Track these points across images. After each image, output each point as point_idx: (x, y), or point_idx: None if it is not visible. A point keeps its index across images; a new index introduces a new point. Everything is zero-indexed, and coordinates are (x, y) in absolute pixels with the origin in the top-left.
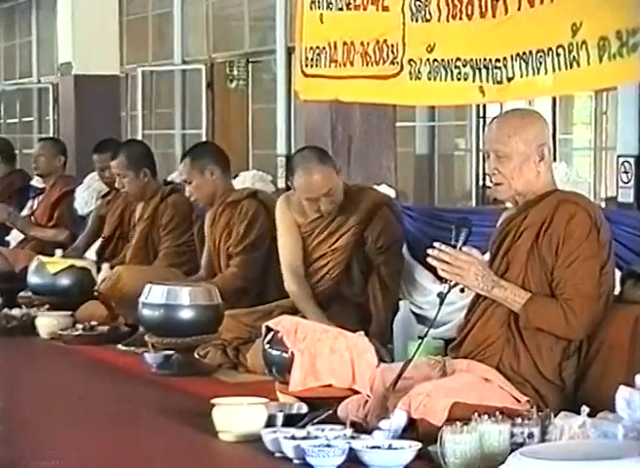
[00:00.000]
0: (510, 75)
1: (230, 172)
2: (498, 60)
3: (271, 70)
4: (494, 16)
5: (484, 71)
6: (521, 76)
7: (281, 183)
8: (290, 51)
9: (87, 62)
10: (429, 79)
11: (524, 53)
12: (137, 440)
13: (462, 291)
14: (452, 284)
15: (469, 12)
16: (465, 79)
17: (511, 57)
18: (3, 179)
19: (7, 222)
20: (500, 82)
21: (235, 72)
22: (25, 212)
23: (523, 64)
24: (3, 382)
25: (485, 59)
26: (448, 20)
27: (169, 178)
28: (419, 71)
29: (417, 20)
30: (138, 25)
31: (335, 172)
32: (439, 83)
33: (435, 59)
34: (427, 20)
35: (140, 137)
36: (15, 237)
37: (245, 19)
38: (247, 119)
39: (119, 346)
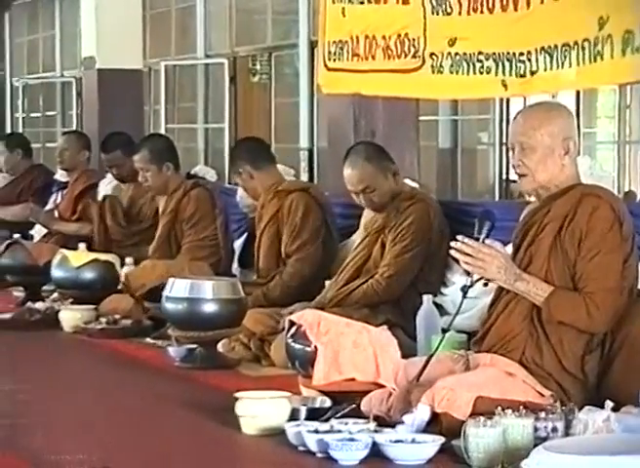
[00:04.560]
0: (534, 69)
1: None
2: (521, 54)
3: (294, 64)
4: (515, 9)
5: (507, 65)
6: (545, 70)
7: (304, 177)
8: (312, 44)
9: (110, 56)
10: (451, 73)
11: (549, 46)
12: (160, 433)
13: (486, 284)
14: (475, 277)
15: (490, 5)
16: (488, 72)
17: (535, 50)
18: (24, 175)
19: (30, 219)
20: (523, 75)
21: (258, 66)
22: (49, 206)
23: (547, 58)
24: (27, 376)
25: (508, 53)
26: (469, 14)
27: (192, 172)
28: (440, 65)
29: (437, 14)
30: (161, 20)
31: (381, 173)
32: (461, 77)
33: (457, 53)
34: (448, 14)
35: (162, 132)
36: (38, 231)
37: (268, 12)
38: (269, 113)
39: (147, 339)
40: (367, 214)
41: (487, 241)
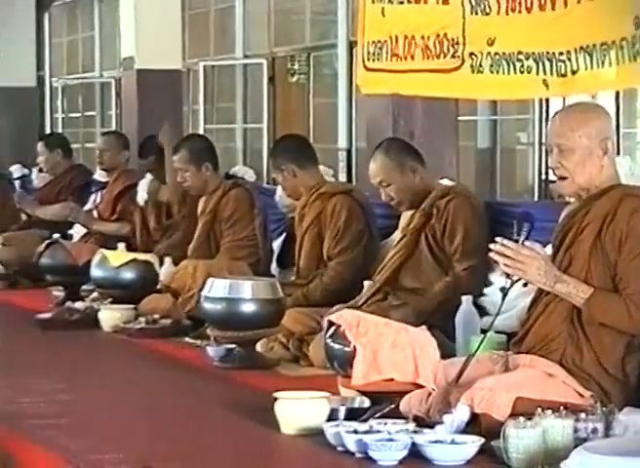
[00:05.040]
0: (575, 68)
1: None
2: (561, 54)
3: (332, 64)
4: (553, 8)
5: (547, 64)
6: (585, 69)
7: (342, 177)
8: (351, 45)
9: (149, 57)
10: (491, 72)
11: (587, 46)
12: (199, 433)
13: (525, 285)
14: (514, 278)
15: (528, 5)
16: (529, 72)
17: (575, 50)
18: (64, 175)
19: (70, 218)
20: (564, 75)
21: (296, 66)
22: (88, 206)
23: (587, 57)
24: (66, 375)
25: (548, 53)
26: (507, 14)
27: (230, 172)
28: (480, 65)
29: (476, 14)
30: (200, 20)
31: (397, 168)
32: (501, 76)
33: (497, 53)
34: (487, 14)
35: (201, 132)
36: (78, 231)
37: (306, 13)
38: (308, 113)
39: (186, 339)
40: (405, 215)
41: (526, 243)
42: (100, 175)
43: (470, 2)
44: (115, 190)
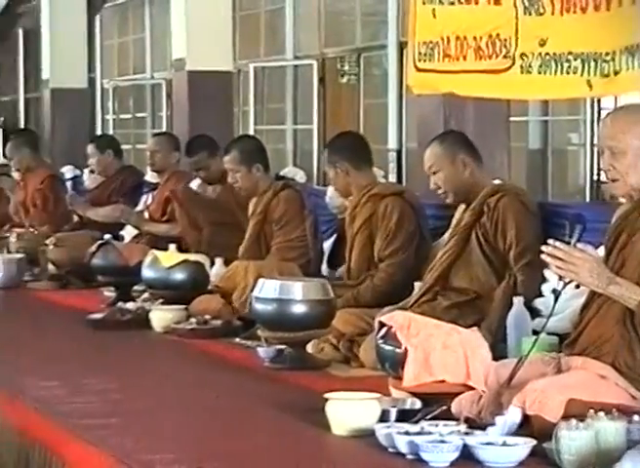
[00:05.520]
0: (617, 68)
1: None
2: (607, 54)
3: (382, 65)
4: (608, 8)
5: (592, 65)
6: (627, 69)
7: (392, 178)
8: (401, 46)
9: (200, 58)
10: (539, 73)
11: (631, 46)
12: (250, 433)
13: (578, 286)
14: (567, 280)
15: (584, 4)
16: (575, 73)
17: (620, 50)
18: (115, 177)
19: (121, 220)
20: (607, 75)
21: (346, 67)
22: (140, 207)
23: (630, 58)
24: (118, 375)
25: (595, 53)
26: (562, 14)
27: (281, 173)
28: (529, 65)
29: (529, 14)
30: (250, 21)
31: (449, 157)
32: (548, 77)
33: (547, 53)
34: (540, 14)
35: (251, 133)
36: (129, 232)
37: (357, 14)
38: (358, 114)
39: (236, 340)
40: (457, 216)
41: (579, 244)
42: (150, 177)
43: (523, 2)
44: (166, 191)
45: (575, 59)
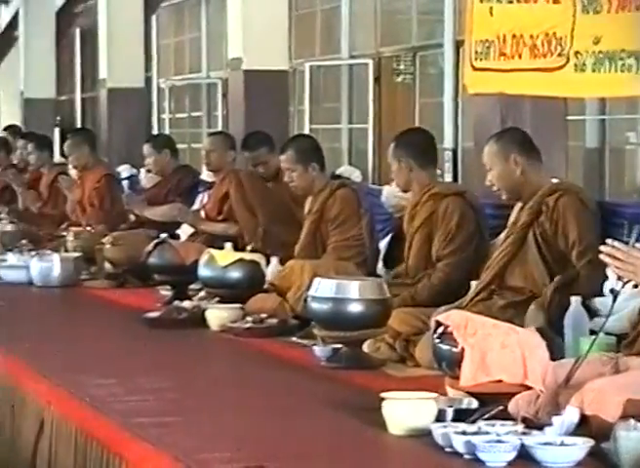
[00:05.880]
0: None
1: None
2: None
3: (438, 64)
4: None
5: None
6: None
7: (447, 177)
8: (457, 44)
9: (256, 58)
10: (593, 71)
11: None
12: (307, 432)
13: (637, 286)
14: (625, 280)
15: (639, 2)
16: (629, 70)
17: None
18: (172, 176)
19: (178, 219)
20: None
21: (402, 66)
22: (196, 206)
23: None
24: (174, 373)
25: None
26: (617, 12)
27: (337, 173)
28: (583, 63)
29: (587, 12)
30: (306, 20)
31: (502, 155)
32: (602, 75)
33: (601, 51)
34: (597, 12)
35: (307, 132)
36: (185, 231)
37: (412, 12)
38: (413, 113)
39: (292, 339)
40: (514, 215)
41: (637, 245)
42: (207, 176)
43: (582, 0)
44: (222, 191)
45: (628, 57)
